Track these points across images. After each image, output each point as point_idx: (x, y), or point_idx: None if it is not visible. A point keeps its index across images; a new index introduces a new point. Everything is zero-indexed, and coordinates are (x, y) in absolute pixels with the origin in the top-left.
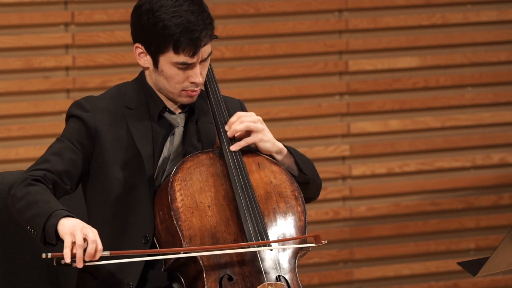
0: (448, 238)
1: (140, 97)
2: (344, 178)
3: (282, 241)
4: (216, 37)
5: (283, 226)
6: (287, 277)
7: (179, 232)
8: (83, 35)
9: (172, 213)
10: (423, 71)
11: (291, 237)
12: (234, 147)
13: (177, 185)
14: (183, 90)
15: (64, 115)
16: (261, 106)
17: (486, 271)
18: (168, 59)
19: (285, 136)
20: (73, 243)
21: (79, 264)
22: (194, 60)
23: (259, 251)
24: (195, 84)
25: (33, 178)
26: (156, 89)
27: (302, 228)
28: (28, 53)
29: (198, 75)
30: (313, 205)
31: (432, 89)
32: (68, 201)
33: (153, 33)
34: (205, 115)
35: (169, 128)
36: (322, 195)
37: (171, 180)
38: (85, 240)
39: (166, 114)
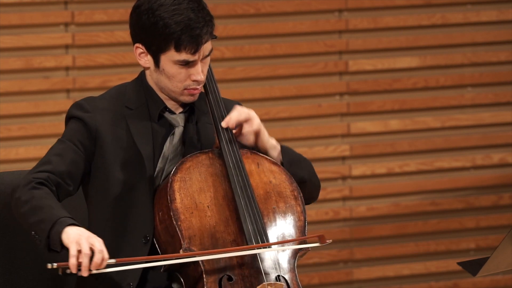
0: (448, 238)
1: (140, 97)
2: (344, 178)
3: (286, 242)
4: (215, 37)
5: (282, 226)
6: (286, 277)
7: (179, 232)
8: (83, 35)
9: (171, 213)
10: (423, 71)
11: (292, 237)
12: (225, 123)
13: (176, 185)
14: (185, 88)
15: (64, 115)
16: (261, 106)
17: (486, 271)
18: (170, 57)
19: (285, 136)
20: (79, 252)
21: (85, 273)
22: (196, 57)
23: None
24: (197, 82)
25: (37, 181)
26: (157, 89)
27: (301, 228)
28: (28, 53)
29: (199, 72)
30: (313, 205)
31: (432, 89)
32: (69, 201)
33: (153, 32)
34: (205, 115)
35: (169, 128)
36: (322, 195)
37: (171, 180)
38: (90, 249)
39: (167, 114)
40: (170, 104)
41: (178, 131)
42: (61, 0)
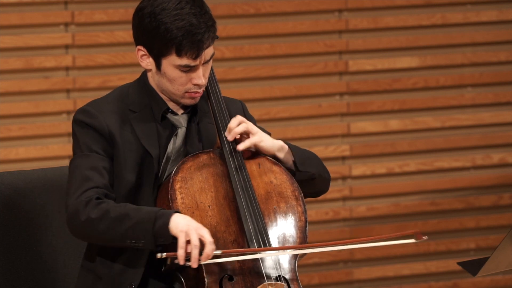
0: (448, 238)
1: (143, 99)
2: (344, 178)
3: (381, 238)
4: (217, 37)
5: (283, 226)
6: (287, 277)
7: None
8: (83, 35)
9: None
10: (423, 71)
11: (293, 237)
12: (241, 146)
13: (177, 185)
14: (186, 92)
15: (64, 115)
16: (261, 106)
17: (486, 271)
18: (171, 62)
19: (285, 136)
20: (188, 242)
21: (194, 264)
22: (197, 62)
23: (259, 252)
24: (198, 86)
25: (94, 198)
26: (159, 91)
27: (302, 228)
28: (28, 53)
29: (201, 77)
30: (313, 205)
31: (432, 89)
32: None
33: (155, 36)
34: (207, 116)
35: (172, 129)
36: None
37: (172, 180)
38: (200, 240)
39: (169, 115)
40: (172, 105)
41: (181, 131)
42: (61, 0)
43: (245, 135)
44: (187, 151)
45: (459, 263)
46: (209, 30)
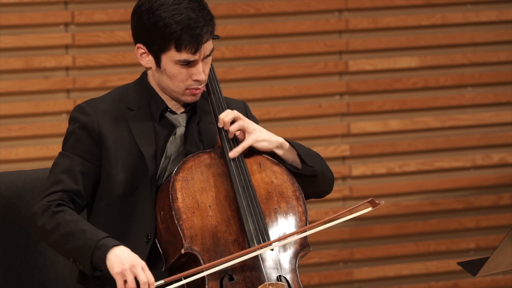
0: (448, 238)
1: (141, 97)
2: (344, 178)
3: (336, 217)
4: (218, 37)
5: (284, 226)
6: (288, 277)
7: (180, 231)
8: (83, 35)
9: (173, 213)
10: (423, 71)
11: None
12: (232, 154)
13: (178, 185)
14: (187, 88)
15: (64, 115)
16: (261, 106)
17: (486, 271)
18: (171, 57)
19: (285, 136)
20: (125, 282)
21: None
22: (196, 57)
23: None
24: (199, 81)
25: (54, 204)
26: (158, 89)
27: (302, 227)
28: (28, 53)
29: (201, 72)
30: (313, 205)
31: (432, 89)
32: None
33: (154, 32)
34: (207, 115)
35: (171, 128)
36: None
37: (172, 180)
38: (136, 280)
39: (168, 114)
40: (171, 104)
41: (180, 131)
42: (61, 0)
43: (242, 132)
44: (187, 151)
45: (459, 263)
46: (207, 24)
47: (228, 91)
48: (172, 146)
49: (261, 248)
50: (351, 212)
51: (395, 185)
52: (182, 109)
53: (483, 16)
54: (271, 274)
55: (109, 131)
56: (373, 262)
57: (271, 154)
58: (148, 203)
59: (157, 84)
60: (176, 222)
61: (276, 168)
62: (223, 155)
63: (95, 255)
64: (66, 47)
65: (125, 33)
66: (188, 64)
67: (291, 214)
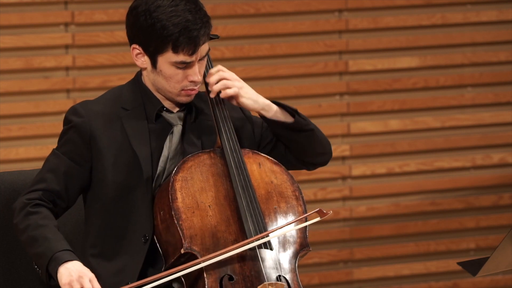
0: (448, 238)
1: (136, 97)
2: (344, 178)
3: (285, 225)
4: (218, 37)
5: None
6: (287, 277)
7: (180, 231)
8: (83, 35)
9: (173, 213)
10: (423, 71)
11: (293, 237)
12: (212, 94)
13: (178, 185)
14: (182, 89)
15: (64, 115)
16: None
17: (486, 271)
18: (167, 59)
19: None
20: None
21: None
22: (193, 59)
23: (259, 251)
24: (194, 83)
25: (32, 203)
26: (153, 89)
27: (302, 228)
28: (28, 53)
29: (197, 73)
30: (313, 205)
31: (432, 89)
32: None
33: (151, 34)
34: (203, 113)
35: (168, 127)
36: (322, 195)
37: (172, 180)
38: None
39: (164, 113)
40: (167, 103)
41: (177, 129)
42: (61, 0)
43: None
44: (184, 149)
45: (459, 263)
46: (204, 26)
47: None
48: (170, 145)
49: (256, 240)
50: (301, 221)
51: (395, 185)
52: (178, 108)
53: (483, 16)
54: (271, 274)
55: (101, 133)
56: (373, 262)
57: (261, 117)
58: (144, 204)
59: (152, 84)
60: (176, 222)
61: (276, 168)
62: (222, 155)
63: (50, 266)
64: (66, 47)
65: (125, 33)
66: (184, 65)
67: (290, 214)
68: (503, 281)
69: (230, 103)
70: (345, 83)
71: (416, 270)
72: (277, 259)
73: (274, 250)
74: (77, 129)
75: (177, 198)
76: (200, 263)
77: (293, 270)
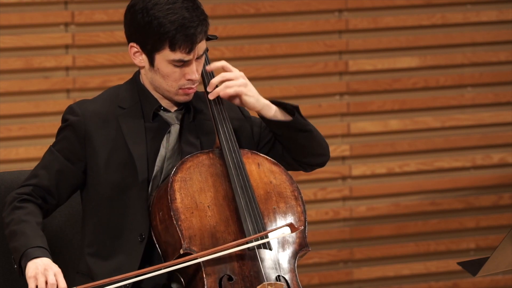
0: (448, 238)
1: (133, 96)
2: (344, 178)
3: (263, 234)
4: (216, 38)
5: None
6: (287, 277)
7: (179, 232)
8: (83, 35)
9: (171, 213)
10: (423, 71)
11: (292, 238)
12: (212, 96)
13: (176, 185)
14: (180, 88)
15: None
16: None
17: (486, 271)
18: (164, 57)
19: None
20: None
21: None
22: (191, 57)
23: (259, 251)
24: (192, 81)
25: (20, 198)
26: (151, 88)
27: (302, 228)
28: (28, 53)
29: (194, 72)
30: (313, 205)
31: (432, 89)
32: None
33: (148, 31)
34: (202, 112)
35: (165, 127)
36: (322, 195)
37: (171, 180)
38: (46, 282)
39: (161, 113)
40: (164, 102)
41: (174, 129)
42: (61, 0)
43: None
44: (182, 149)
45: (459, 263)
46: (202, 24)
47: None
48: (167, 144)
49: (250, 241)
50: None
51: (395, 185)
52: (175, 107)
53: (483, 16)
54: (270, 274)
55: (97, 132)
56: (373, 262)
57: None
58: (140, 203)
59: (150, 83)
60: (175, 222)
61: (275, 168)
62: (221, 156)
63: (22, 260)
64: (66, 47)
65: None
66: (182, 63)
67: (290, 214)
68: (503, 281)
69: (229, 103)
70: (345, 83)
71: (416, 270)
72: (276, 259)
73: (273, 250)
74: (72, 128)
75: (176, 199)
76: (197, 258)
77: (292, 270)
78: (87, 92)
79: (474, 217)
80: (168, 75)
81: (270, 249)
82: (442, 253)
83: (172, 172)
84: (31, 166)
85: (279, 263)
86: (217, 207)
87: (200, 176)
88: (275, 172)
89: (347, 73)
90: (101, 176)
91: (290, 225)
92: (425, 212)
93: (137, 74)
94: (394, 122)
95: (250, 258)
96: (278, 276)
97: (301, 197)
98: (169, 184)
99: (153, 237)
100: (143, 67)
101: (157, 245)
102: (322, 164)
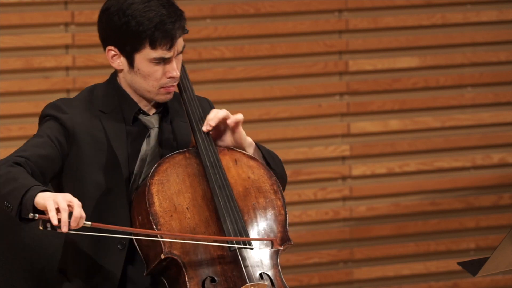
0: (448, 238)
1: (113, 100)
2: (344, 178)
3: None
4: (187, 32)
5: (263, 222)
6: (269, 273)
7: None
8: (83, 35)
9: (151, 218)
10: (423, 71)
11: (273, 232)
12: (205, 127)
13: (154, 189)
14: (162, 87)
15: None
16: (261, 106)
17: (486, 271)
18: (145, 56)
19: (285, 136)
20: (57, 209)
21: (64, 228)
22: (171, 53)
23: (239, 251)
24: (173, 78)
25: (15, 161)
26: (130, 91)
27: (282, 222)
28: (28, 53)
29: (175, 69)
30: (313, 205)
31: (432, 89)
32: None
33: (126, 32)
34: (179, 114)
35: (144, 130)
36: (322, 195)
37: (148, 184)
38: (69, 205)
39: (141, 116)
40: (143, 105)
41: (154, 132)
42: (61, 0)
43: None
44: (162, 152)
45: (459, 263)
46: (179, 19)
47: (228, 91)
48: (147, 148)
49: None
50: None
51: (395, 185)
52: (154, 110)
53: (483, 16)
54: (253, 272)
55: (83, 131)
56: (373, 262)
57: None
58: (122, 208)
59: (129, 85)
60: (154, 227)
61: (252, 163)
62: (198, 155)
63: (26, 195)
64: (66, 47)
65: None
66: (163, 61)
67: (270, 208)
68: (503, 281)
69: (203, 103)
70: (345, 83)
71: (416, 270)
72: (258, 256)
73: (254, 248)
74: (60, 122)
75: (154, 203)
76: (157, 236)
77: (275, 266)
78: None
79: (474, 217)
80: (150, 75)
81: (252, 247)
82: (442, 253)
83: (149, 175)
84: None
85: (261, 260)
86: (196, 208)
87: (178, 177)
88: (253, 167)
89: (347, 73)
90: (86, 176)
91: (274, 240)
92: (425, 212)
93: (113, 76)
94: (394, 122)
95: (231, 258)
96: (262, 273)
97: (281, 190)
98: (147, 188)
99: (134, 242)
100: (122, 70)
101: (138, 249)
102: None
